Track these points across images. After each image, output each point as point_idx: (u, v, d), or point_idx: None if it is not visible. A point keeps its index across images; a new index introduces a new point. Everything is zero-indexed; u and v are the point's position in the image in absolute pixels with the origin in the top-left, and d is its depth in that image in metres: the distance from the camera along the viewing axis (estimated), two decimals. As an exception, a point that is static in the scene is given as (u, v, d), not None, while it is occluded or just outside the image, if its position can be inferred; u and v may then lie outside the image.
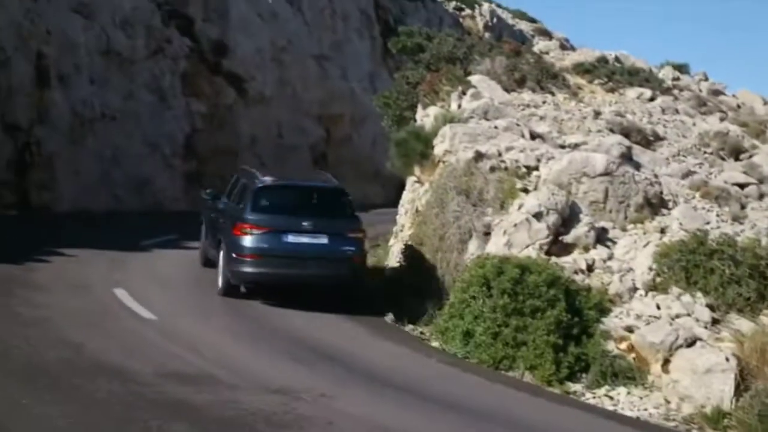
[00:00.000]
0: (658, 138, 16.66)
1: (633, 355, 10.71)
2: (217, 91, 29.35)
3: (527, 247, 12.14)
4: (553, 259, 12.01)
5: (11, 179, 21.94)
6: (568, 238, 12.41)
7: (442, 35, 20.13)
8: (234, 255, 12.85)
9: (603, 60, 20.47)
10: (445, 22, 39.94)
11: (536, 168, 13.57)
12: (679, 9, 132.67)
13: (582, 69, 19.63)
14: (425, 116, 16.39)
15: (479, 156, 13.64)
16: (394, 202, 19.57)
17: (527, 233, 12.23)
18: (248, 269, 12.76)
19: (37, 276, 13.36)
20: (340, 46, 34.85)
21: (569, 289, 11.14)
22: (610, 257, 12.31)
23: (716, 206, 14.15)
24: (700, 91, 21.02)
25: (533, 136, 14.85)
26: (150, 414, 7.46)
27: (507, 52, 19.17)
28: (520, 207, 12.58)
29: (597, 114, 16.67)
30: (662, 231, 12.93)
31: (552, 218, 12.32)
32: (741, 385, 9.81)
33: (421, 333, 12.47)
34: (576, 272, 11.78)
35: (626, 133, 15.79)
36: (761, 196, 14.87)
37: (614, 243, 12.61)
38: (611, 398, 10.17)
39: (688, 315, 10.94)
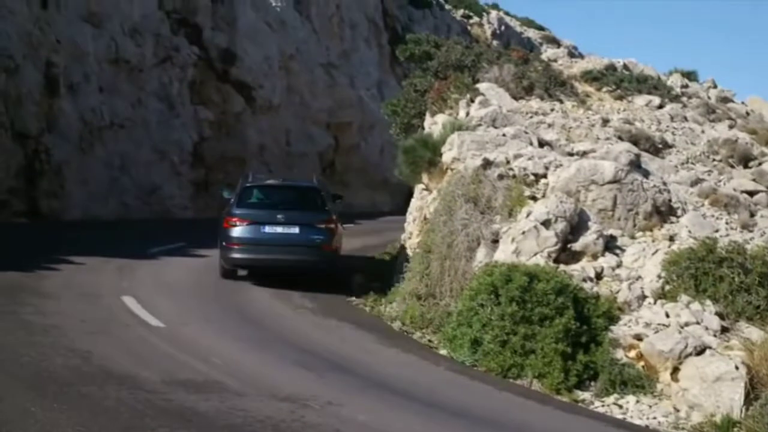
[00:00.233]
0: (667, 145, 16.63)
1: (642, 363, 10.67)
2: (225, 99, 29.47)
3: (535, 254, 12.11)
4: (562, 266, 11.97)
5: (21, 187, 22.03)
6: (576, 246, 12.38)
7: (450, 43, 20.13)
8: (224, 244, 15.16)
9: (611, 67, 20.46)
10: (453, 30, 40.04)
11: (544, 176, 13.55)
12: (687, 17, 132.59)
13: (590, 76, 19.62)
14: (433, 124, 16.39)
15: (487, 164, 13.63)
16: (402, 209, 19.59)
17: (535, 241, 12.20)
18: (234, 255, 15.05)
19: (46, 284, 13.41)
20: (348, 54, 34.94)
21: (578, 297, 11.10)
22: (619, 265, 12.27)
23: (725, 214, 14.11)
24: (709, 98, 20.98)
25: (541, 143, 14.83)
26: (158, 421, 7.46)
27: (515, 60, 19.17)
28: (528, 215, 12.56)
29: (605, 122, 16.65)
30: (671, 239, 12.89)
31: (560, 226, 12.29)
32: (751, 394, 9.74)
33: (429, 341, 12.44)
34: (584, 280, 11.75)
35: (635, 140, 15.76)
36: (770, 204, 14.82)
37: (623, 251, 12.58)
38: (620, 406, 10.13)
39: (698, 323, 10.89)
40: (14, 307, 11.57)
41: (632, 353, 10.79)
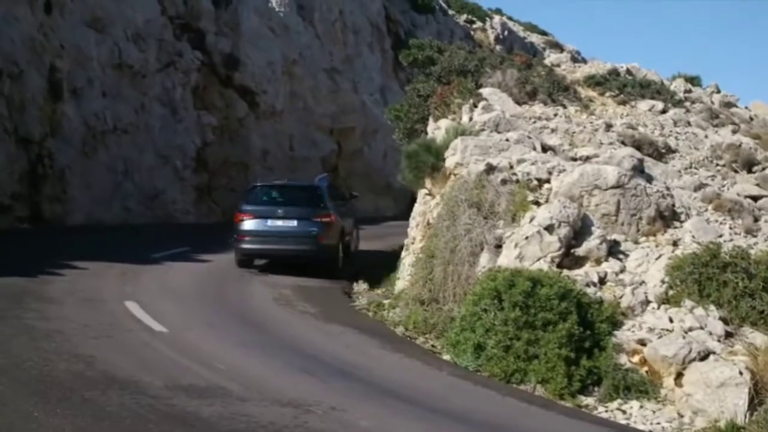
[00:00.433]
0: (670, 150, 16.63)
1: (645, 368, 10.65)
2: (228, 104, 29.49)
3: (539, 259, 12.10)
4: (565, 271, 11.96)
5: (24, 192, 22.05)
6: (579, 251, 12.37)
7: (453, 48, 20.16)
8: (235, 236, 17.17)
9: (614, 72, 20.47)
10: (456, 35, 40.07)
11: (548, 180, 13.55)
12: (690, 22, 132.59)
13: (593, 81, 19.63)
14: (436, 129, 16.41)
15: (490, 168, 13.63)
16: (405, 214, 19.58)
17: (539, 246, 12.19)
18: (243, 246, 17.12)
19: (49, 289, 13.41)
20: (351, 60, 34.95)
21: (581, 302, 11.09)
22: (622, 270, 12.26)
23: (729, 219, 14.10)
24: (712, 103, 20.98)
25: (545, 148, 14.83)
26: (161, 427, 7.45)
27: (518, 65, 19.19)
28: (531, 220, 12.55)
29: (608, 126, 16.65)
30: (675, 244, 12.88)
31: (563, 231, 12.28)
32: (755, 399, 9.72)
33: (432, 346, 12.43)
34: (588, 285, 11.73)
35: (638, 145, 15.76)
36: (774, 209, 14.80)
37: (626, 256, 12.56)
38: (624, 412, 10.11)
39: (701, 328, 10.87)
40: (17, 312, 11.57)
41: (636, 358, 10.77)
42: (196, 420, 7.76)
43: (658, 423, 9.84)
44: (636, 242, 12.92)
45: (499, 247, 12.73)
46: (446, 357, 11.73)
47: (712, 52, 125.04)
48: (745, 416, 9.60)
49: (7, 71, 21.56)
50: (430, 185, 15.37)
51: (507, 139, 14.74)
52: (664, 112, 18.72)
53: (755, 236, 13.60)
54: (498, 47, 40.73)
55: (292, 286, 15.89)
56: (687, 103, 19.99)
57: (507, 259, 12.30)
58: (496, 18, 46.89)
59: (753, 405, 9.67)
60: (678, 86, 21.22)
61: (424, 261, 13.92)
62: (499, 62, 19.36)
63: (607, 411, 10.15)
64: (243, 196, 18.18)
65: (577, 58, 36.43)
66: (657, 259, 12.28)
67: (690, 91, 21.28)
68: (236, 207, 17.92)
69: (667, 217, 13.45)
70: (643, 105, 18.82)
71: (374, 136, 34.08)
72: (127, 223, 24.69)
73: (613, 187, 13.18)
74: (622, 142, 15.79)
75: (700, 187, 14.96)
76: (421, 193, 16.32)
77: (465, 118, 16.14)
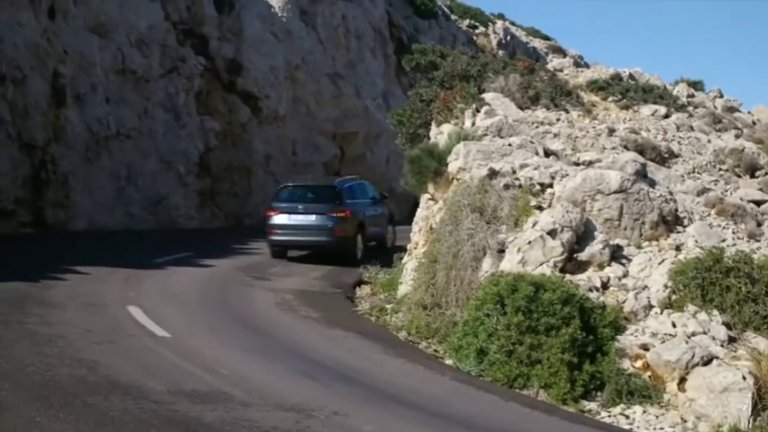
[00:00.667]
0: (673, 155, 16.62)
1: (648, 373, 10.63)
2: (232, 109, 29.53)
3: (541, 264, 12.09)
4: (568, 276, 11.95)
5: (27, 197, 22.08)
6: (582, 256, 12.36)
7: (455, 53, 20.18)
8: (267, 229, 19.81)
9: (617, 77, 20.47)
10: (459, 40, 40.10)
11: (550, 185, 13.54)
12: (693, 26, 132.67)
13: (596, 86, 19.63)
14: (439, 134, 16.41)
15: (493, 173, 13.62)
16: (408, 219, 19.58)
17: (541, 251, 12.18)
18: (273, 237, 19.71)
19: (52, 294, 13.43)
20: (353, 65, 34.98)
21: (584, 307, 11.07)
22: (625, 275, 12.24)
23: (732, 223, 14.07)
24: (715, 107, 20.97)
25: (547, 153, 14.83)
26: (163, 432, 7.46)
27: (521, 70, 19.20)
28: (534, 224, 12.55)
29: (611, 131, 16.65)
30: (677, 248, 12.86)
31: (566, 236, 12.27)
32: (758, 404, 9.70)
33: (435, 351, 12.42)
34: (591, 290, 11.72)
35: (641, 150, 15.75)
36: (777, 213, 14.77)
37: (629, 260, 12.54)
38: (627, 417, 10.09)
39: (704, 333, 10.85)
40: (20, 317, 11.59)
41: (639, 363, 10.75)
42: (199, 425, 7.76)
43: (662, 428, 9.83)
44: (639, 247, 12.90)
45: (501, 251, 12.73)
46: (449, 362, 11.72)
47: (714, 56, 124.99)
48: (749, 421, 9.59)
49: (10, 76, 21.61)
50: (433, 190, 15.37)
51: (510, 144, 14.74)
52: (666, 116, 18.71)
53: (758, 241, 13.58)
54: (501, 52, 40.76)
55: (295, 290, 15.89)
56: (690, 108, 19.98)
57: (510, 263, 12.29)
58: (499, 23, 46.89)
59: (756, 410, 9.65)
60: (681, 91, 21.21)
61: (426, 266, 13.90)
62: (501, 67, 19.37)
63: (610, 416, 10.13)
64: (275, 195, 20.91)
65: (579, 63, 36.36)
66: (660, 263, 12.27)
67: (693, 96, 21.27)
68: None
69: (670, 222, 13.43)
70: (646, 110, 18.81)
71: (377, 141, 34.09)
72: (130, 228, 24.72)
73: (615, 192, 13.17)
74: (625, 147, 15.78)
75: (703, 191, 14.95)
76: (424, 198, 16.32)
77: (468, 123, 16.15)
